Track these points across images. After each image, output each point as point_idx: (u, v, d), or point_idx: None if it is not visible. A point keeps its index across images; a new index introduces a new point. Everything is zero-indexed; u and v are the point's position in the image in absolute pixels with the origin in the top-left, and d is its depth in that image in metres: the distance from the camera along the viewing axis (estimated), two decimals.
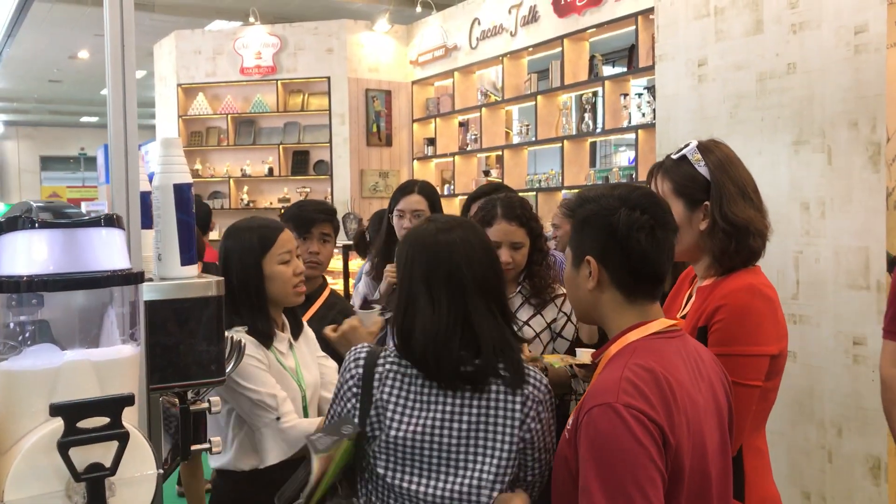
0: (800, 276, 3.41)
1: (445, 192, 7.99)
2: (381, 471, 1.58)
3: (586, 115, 6.68)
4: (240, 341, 1.79)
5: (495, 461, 1.55)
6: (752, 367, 1.68)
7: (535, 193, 7.00)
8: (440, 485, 1.55)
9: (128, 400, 0.97)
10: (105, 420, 0.96)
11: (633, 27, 6.01)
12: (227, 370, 1.52)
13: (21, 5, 2.61)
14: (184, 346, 1.37)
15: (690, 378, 1.45)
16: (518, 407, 1.57)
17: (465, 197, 4.24)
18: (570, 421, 1.45)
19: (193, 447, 1.44)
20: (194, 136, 9.11)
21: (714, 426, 1.49)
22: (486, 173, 7.83)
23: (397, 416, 1.57)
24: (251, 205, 8.92)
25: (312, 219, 2.77)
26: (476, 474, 1.55)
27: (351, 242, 6.02)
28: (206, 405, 1.47)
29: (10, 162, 20.69)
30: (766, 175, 3.40)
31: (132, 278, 1.04)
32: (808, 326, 3.36)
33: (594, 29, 6.42)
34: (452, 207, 7.63)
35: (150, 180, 1.51)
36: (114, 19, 1.36)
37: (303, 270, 2.19)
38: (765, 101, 3.57)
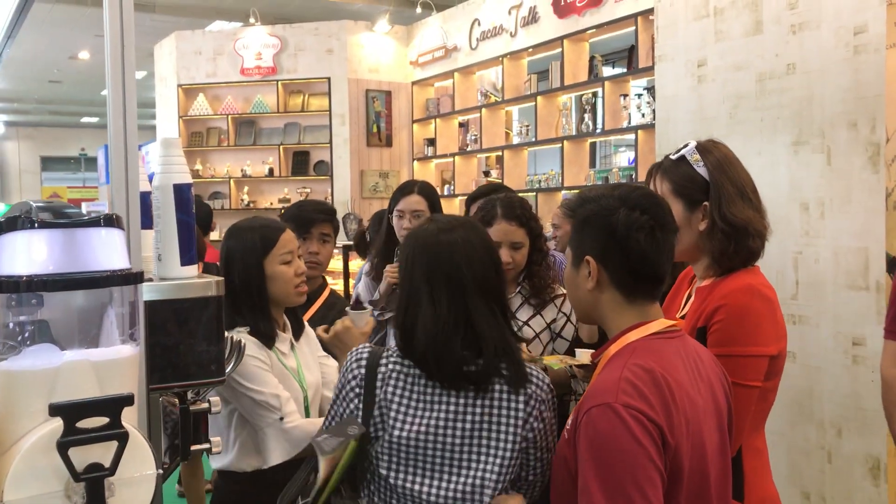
0: (799, 276, 3.41)
1: (445, 193, 7.99)
2: (383, 471, 1.58)
3: (586, 116, 6.68)
4: (239, 341, 1.79)
5: (498, 461, 1.55)
6: (751, 367, 1.68)
7: (534, 194, 7.00)
8: (443, 485, 1.55)
9: (127, 400, 0.97)
10: (104, 420, 0.96)
11: (633, 28, 6.01)
12: (227, 370, 1.52)
13: (21, 6, 2.61)
14: (183, 347, 1.37)
15: (690, 378, 1.45)
16: (521, 406, 1.57)
17: (465, 197, 4.25)
18: (569, 421, 1.45)
19: (193, 447, 1.44)
20: (195, 137, 9.12)
21: (713, 427, 1.49)
22: (486, 174, 7.84)
23: (401, 417, 1.56)
24: (251, 205, 8.93)
25: (312, 219, 2.77)
26: (479, 474, 1.55)
27: (351, 243, 6.03)
28: (206, 405, 1.47)
29: (10, 162, 20.69)
30: (766, 175, 3.40)
31: (131, 278, 1.04)
32: (808, 327, 3.36)
33: (594, 30, 6.43)
34: (452, 208, 7.64)
35: (150, 180, 1.51)
36: (113, 20, 1.36)
37: (304, 271, 2.19)
38: (764, 102, 3.57)
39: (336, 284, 5.84)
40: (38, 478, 0.95)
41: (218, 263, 2.37)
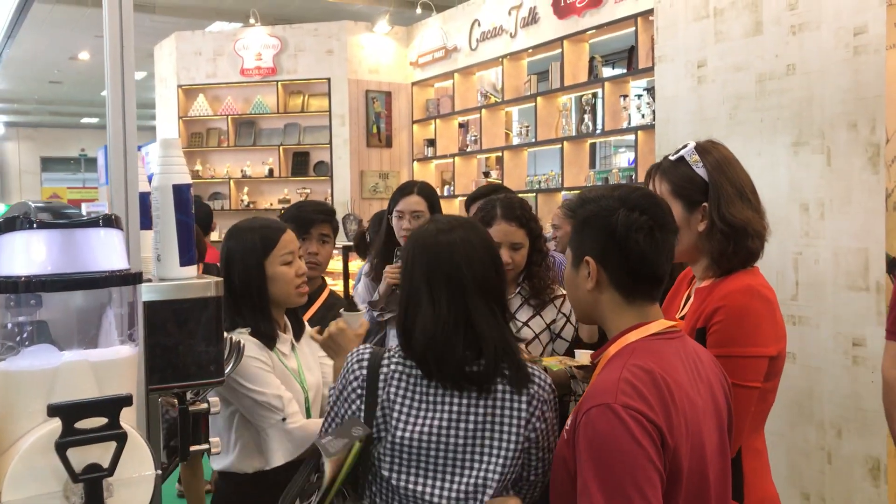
0: (799, 277, 3.41)
1: (445, 194, 7.99)
2: (385, 473, 1.57)
3: (586, 117, 6.68)
4: (239, 342, 1.78)
5: (500, 461, 1.55)
6: (750, 368, 1.68)
7: (534, 194, 7.00)
8: (445, 486, 1.55)
9: (126, 400, 0.97)
10: (103, 420, 0.96)
11: (633, 28, 6.01)
12: (227, 371, 1.52)
13: (21, 6, 2.61)
14: (183, 347, 1.37)
15: (689, 379, 1.45)
16: (524, 407, 1.57)
17: (465, 198, 4.25)
18: (568, 421, 1.45)
19: (193, 448, 1.44)
20: (194, 138, 9.12)
21: (713, 427, 1.49)
22: (486, 174, 7.84)
23: (403, 417, 1.56)
24: (251, 206, 8.93)
25: (311, 219, 2.77)
26: (481, 474, 1.55)
27: (351, 243, 6.02)
28: (205, 406, 1.47)
29: (10, 163, 20.70)
30: (766, 176, 3.40)
31: (130, 279, 1.04)
32: (808, 328, 3.36)
33: (594, 30, 6.43)
34: (452, 208, 7.64)
35: (150, 181, 1.51)
36: (113, 20, 1.36)
37: (305, 271, 2.19)
38: (764, 103, 3.57)
39: (336, 285, 5.84)
40: (36, 478, 0.95)
41: (218, 264, 2.37)
